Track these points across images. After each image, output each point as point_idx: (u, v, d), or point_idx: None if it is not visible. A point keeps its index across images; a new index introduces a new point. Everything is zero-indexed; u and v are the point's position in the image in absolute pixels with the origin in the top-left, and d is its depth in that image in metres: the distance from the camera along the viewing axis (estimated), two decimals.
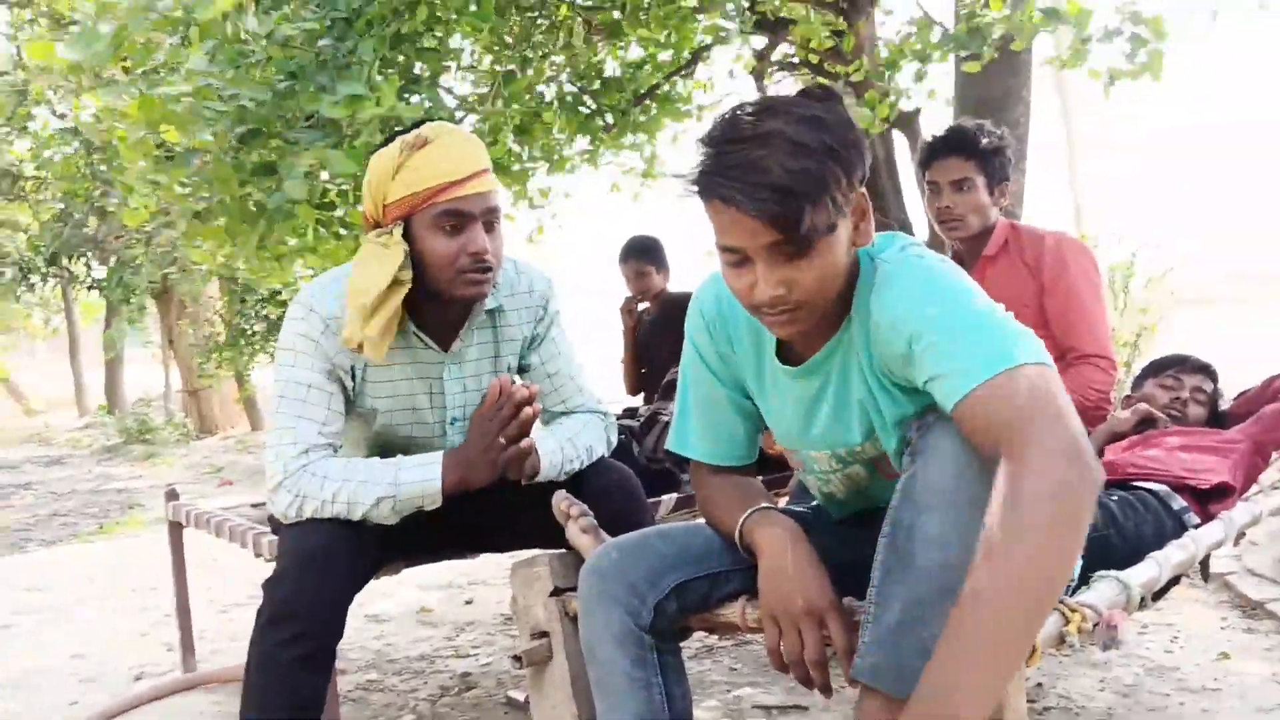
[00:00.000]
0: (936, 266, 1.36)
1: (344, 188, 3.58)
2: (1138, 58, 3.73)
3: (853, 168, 1.31)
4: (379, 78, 2.92)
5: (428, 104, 3.13)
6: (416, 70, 3.48)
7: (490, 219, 1.82)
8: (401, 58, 3.37)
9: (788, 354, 1.52)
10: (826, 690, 1.40)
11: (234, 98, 2.89)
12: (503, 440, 1.84)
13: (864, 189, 1.35)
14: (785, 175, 1.25)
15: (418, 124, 1.84)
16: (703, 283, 1.61)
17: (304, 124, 3.06)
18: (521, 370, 2.09)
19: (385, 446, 1.98)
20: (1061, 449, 1.15)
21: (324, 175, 3.26)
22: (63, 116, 10.20)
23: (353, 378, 1.89)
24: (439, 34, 3.37)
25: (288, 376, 1.84)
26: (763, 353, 1.56)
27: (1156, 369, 2.69)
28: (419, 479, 1.81)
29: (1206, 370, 2.64)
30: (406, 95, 3.20)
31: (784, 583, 1.41)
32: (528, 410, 1.85)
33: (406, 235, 1.80)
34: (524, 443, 1.87)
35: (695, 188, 1.32)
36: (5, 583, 4.45)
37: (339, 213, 3.69)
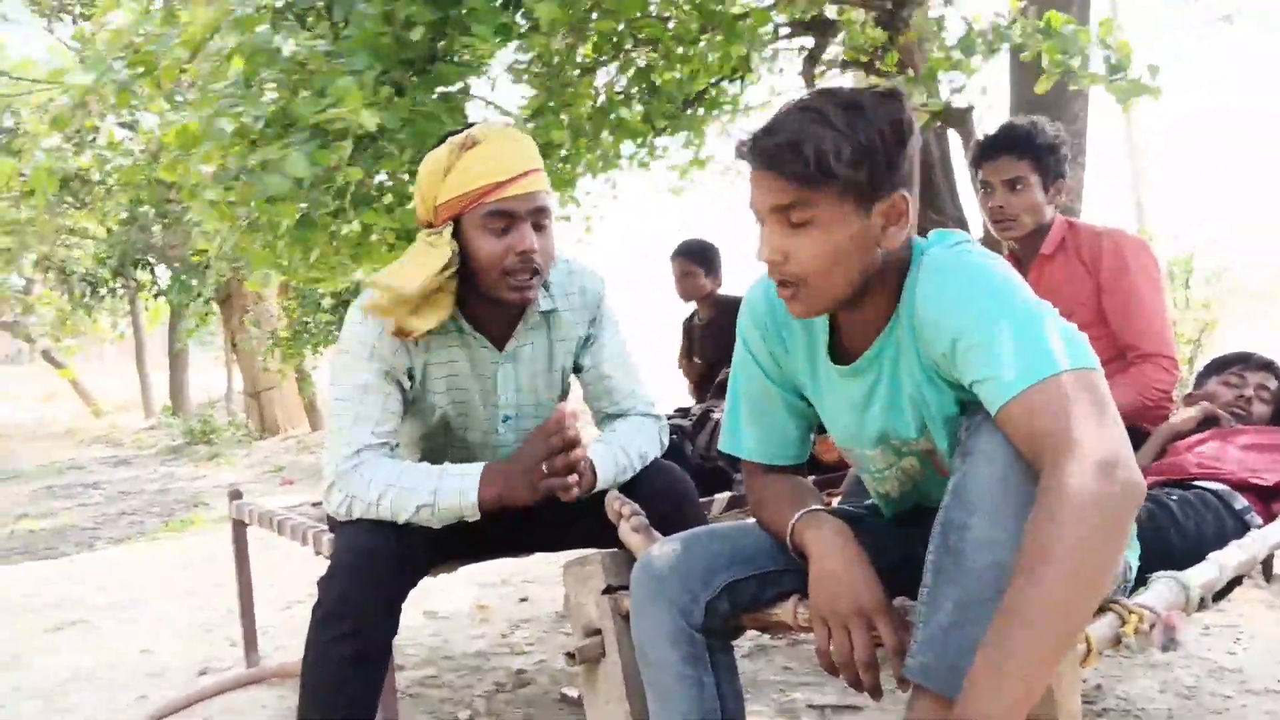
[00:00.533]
0: (982, 264, 1.36)
1: (386, 187, 3.61)
2: (1120, 78, 3.66)
3: (888, 165, 1.32)
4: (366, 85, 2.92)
5: (394, 119, 3.10)
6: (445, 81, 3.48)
7: (539, 219, 1.83)
8: (432, 69, 3.38)
9: (840, 354, 1.52)
10: (876, 692, 1.40)
11: (239, 114, 2.95)
12: (546, 469, 1.85)
13: (907, 194, 1.35)
14: (797, 135, 1.32)
15: (468, 125, 1.87)
16: (754, 283, 1.63)
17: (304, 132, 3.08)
18: (575, 370, 2.11)
19: (440, 442, 2.01)
20: (1099, 461, 1.15)
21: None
22: (127, 126, 10.45)
23: (411, 378, 1.92)
24: (466, 50, 3.37)
25: (344, 379, 1.87)
26: (816, 353, 1.56)
27: (1219, 366, 2.64)
28: (456, 489, 1.82)
29: (1270, 367, 2.59)
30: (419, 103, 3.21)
31: (833, 584, 1.42)
32: (576, 451, 1.85)
33: (457, 235, 1.83)
34: (576, 457, 1.86)
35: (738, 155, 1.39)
36: (76, 580, 4.57)
37: (387, 219, 3.73)
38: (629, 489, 1.93)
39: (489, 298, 1.87)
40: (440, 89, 3.38)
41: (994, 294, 1.31)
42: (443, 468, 1.85)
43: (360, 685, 1.74)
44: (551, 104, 4.08)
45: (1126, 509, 1.16)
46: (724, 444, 1.69)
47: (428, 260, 1.81)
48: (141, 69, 3.02)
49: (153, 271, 12.42)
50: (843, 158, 1.31)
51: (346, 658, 1.72)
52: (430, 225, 1.86)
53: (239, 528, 2.90)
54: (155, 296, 13.18)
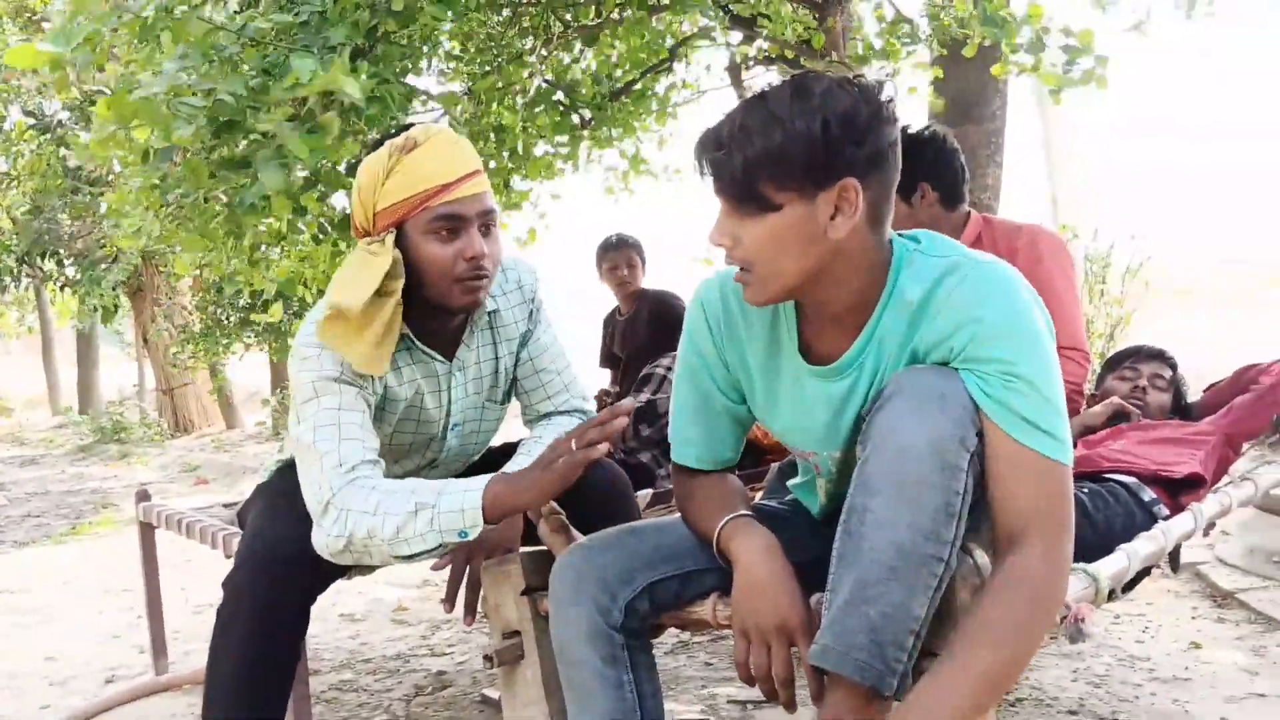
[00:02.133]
0: (1026, 296, 1.35)
1: (312, 177, 3.54)
2: (1075, 69, 3.73)
3: (832, 154, 1.28)
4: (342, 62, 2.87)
5: (379, 83, 3.05)
6: (386, 64, 3.43)
7: (486, 221, 1.74)
8: (377, 49, 3.33)
9: (811, 354, 1.48)
10: (791, 706, 1.41)
11: (210, 92, 2.85)
12: (575, 444, 1.58)
13: (858, 184, 1.30)
14: (726, 133, 1.32)
15: (405, 127, 1.77)
16: (707, 279, 1.58)
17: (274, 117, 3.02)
18: (514, 366, 2.04)
19: (382, 452, 1.92)
20: (1059, 562, 1.29)
21: (299, 170, 3.22)
22: (31, 114, 10.11)
23: (369, 403, 1.79)
24: (412, 31, 3.32)
25: (313, 411, 1.70)
26: (779, 353, 1.51)
27: (1114, 363, 2.73)
28: (461, 488, 1.62)
29: (1162, 356, 2.69)
30: (377, 90, 3.16)
31: (757, 597, 1.41)
32: (619, 421, 1.56)
33: (400, 243, 1.71)
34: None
35: None
36: None
37: (315, 210, 3.65)
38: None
39: (434, 307, 1.78)
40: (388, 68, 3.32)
41: (1040, 343, 1.33)
42: (447, 480, 1.68)
43: (266, 689, 1.69)
44: (500, 84, 4.01)
45: (1059, 604, 1.32)
46: (675, 450, 1.64)
47: (368, 271, 1.69)
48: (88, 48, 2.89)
49: (60, 262, 12.01)
50: (772, 147, 1.28)
51: (251, 660, 1.66)
52: (368, 234, 1.74)
53: (146, 530, 2.81)
54: (61, 288, 12.75)
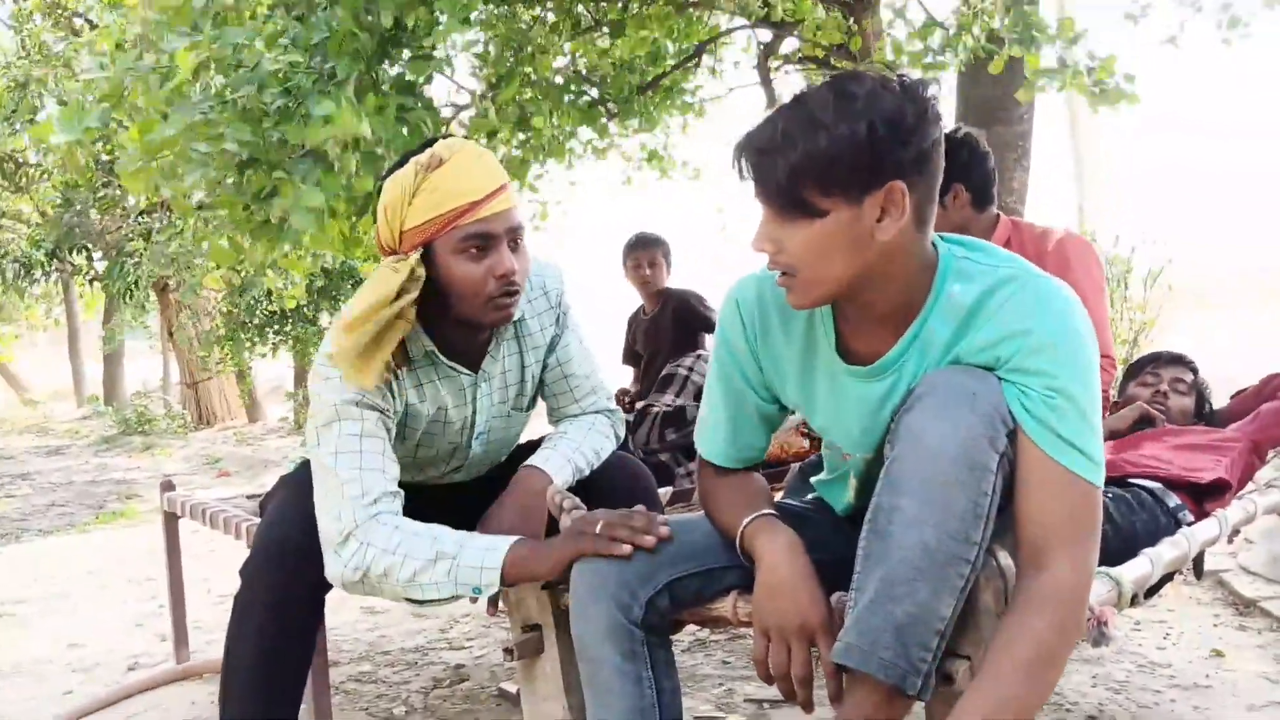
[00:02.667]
0: (1081, 316, 1.34)
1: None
2: (1102, 90, 3.74)
3: (878, 156, 1.27)
4: (353, 97, 2.89)
5: (403, 128, 3.08)
6: (409, 77, 3.44)
7: (515, 237, 1.72)
8: (392, 68, 3.34)
9: (846, 355, 1.47)
10: (809, 706, 1.40)
11: (220, 138, 2.88)
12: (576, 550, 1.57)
13: (904, 186, 1.29)
14: (768, 138, 1.31)
15: (430, 142, 1.74)
16: (743, 278, 1.57)
17: (299, 154, 3.05)
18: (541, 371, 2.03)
19: (407, 463, 1.90)
20: (1084, 583, 1.29)
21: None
22: (64, 104, 10.19)
23: (391, 420, 1.78)
24: (429, 39, 3.33)
25: (334, 434, 1.68)
26: (816, 352, 1.50)
27: (1135, 370, 2.74)
28: (483, 546, 1.62)
29: (1181, 360, 2.69)
30: (403, 109, 3.17)
31: (780, 597, 1.41)
32: (647, 539, 1.53)
33: (427, 261, 1.69)
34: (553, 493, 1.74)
35: None
36: (3, 572, 4.45)
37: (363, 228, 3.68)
38: (590, 481, 1.90)
39: (462, 324, 1.76)
40: (409, 80, 3.34)
41: (1091, 369, 1.33)
42: (470, 534, 1.68)
43: (282, 677, 1.70)
44: (520, 69, 4.02)
45: (1076, 635, 1.30)
46: (701, 444, 1.64)
47: (386, 287, 1.66)
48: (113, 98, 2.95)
49: (89, 256, 12.12)
50: (815, 152, 1.27)
51: (266, 648, 1.68)
52: (394, 252, 1.71)
53: (170, 520, 2.83)
54: (90, 282, 12.86)
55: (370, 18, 3.02)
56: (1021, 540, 1.30)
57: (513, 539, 1.63)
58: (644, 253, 3.98)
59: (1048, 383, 1.29)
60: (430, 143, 1.74)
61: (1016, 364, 1.31)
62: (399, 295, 1.65)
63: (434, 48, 3.36)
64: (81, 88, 3.00)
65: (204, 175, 2.93)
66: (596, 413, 2.06)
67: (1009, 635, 1.25)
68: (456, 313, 1.73)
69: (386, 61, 3.27)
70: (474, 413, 1.89)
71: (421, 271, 1.67)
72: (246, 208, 3.20)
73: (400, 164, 1.73)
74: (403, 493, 1.72)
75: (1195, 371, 2.68)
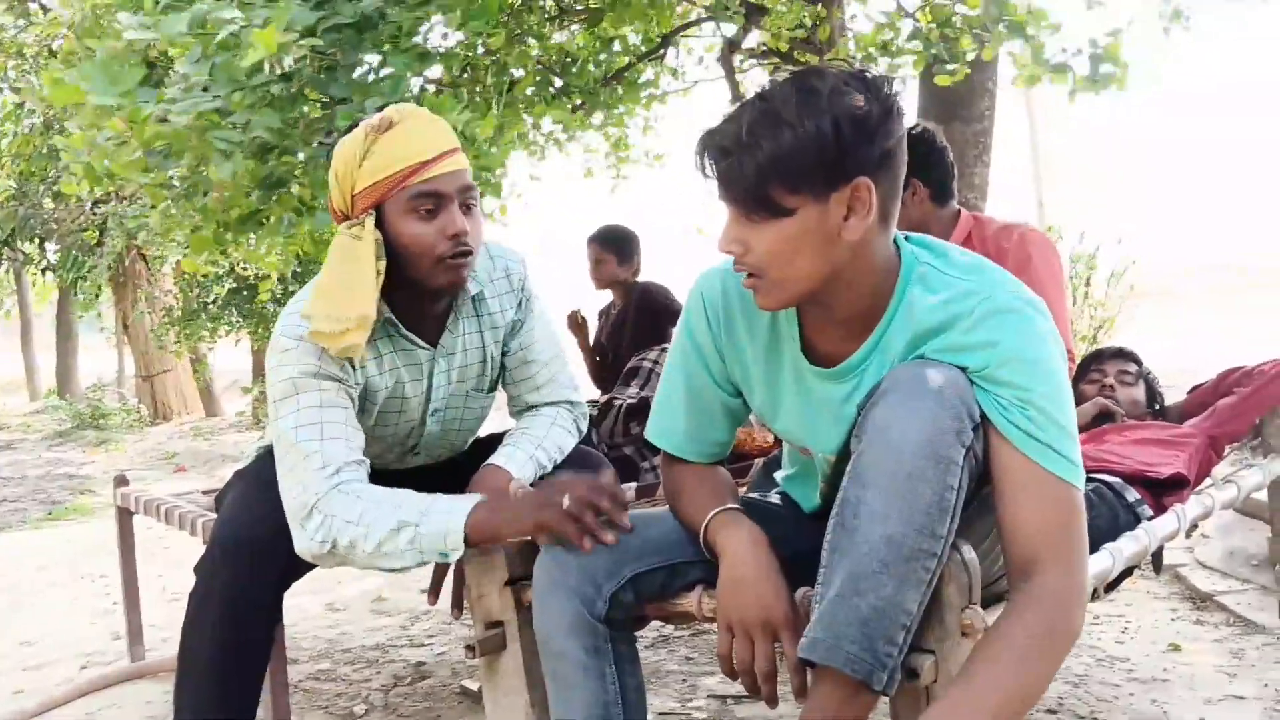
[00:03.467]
0: (1046, 331, 1.34)
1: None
2: (1098, 72, 3.76)
3: (842, 153, 1.26)
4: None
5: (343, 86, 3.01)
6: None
7: (466, 199, 1.71)
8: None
9: (814, 355, 1.46)
10: (773, 701, 1.40)
11: (246, 125, 2.77)
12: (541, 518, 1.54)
13: (870, 182, 1.28)
14: (733, 138, 1.29)
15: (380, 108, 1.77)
16: (708, 270, 1.56)
17: (317, 142, 2.97)
18: (501, 356, 2.01)
19: (368, 443, 1.86)
20: (1076, 587, 1.28)
21: None
22: (18, 91, 9.99)
23: (351, 395, 1.76)
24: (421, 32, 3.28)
25: (293, 408, 1.67)
26: (780, 350, 1.50)
27: (1082, 370, 2.79)
28: (445, 509, 1.60)
29: (1122, 353, 2.77)
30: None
31: (743, 591, 1.40)
32: (606, 536, 1.51)
33: (379, 225, 1.68)
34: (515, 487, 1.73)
35: None
36: None
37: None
38: (550, 475, 1.89)
39: (417, 291, 1.75)
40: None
41: (1059, 380, 1.33)
42: (434, 497, 1.65)
43: (238, 675, 1.67)
44: (489, 59, 3.97)
45: (1073, 640, 1.29)
46: (652, 433, 1.63)
47: (360, 259, 1.65)
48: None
49: (42, 246, 11.89)
50: (779, 151, 1.25)
51: (222, 646, 1.65)
52: (347, 217, 1.71)
53: (124, 515, 2.78)
54: (43, 272, 12.62)
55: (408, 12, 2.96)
56: (1010, 554, 1.30)
57: (475, 499, 1.61)
58: (589, 248, 3.96)
59: (1020, 394, 1.30)
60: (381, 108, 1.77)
61: (987, 374, 1.31)
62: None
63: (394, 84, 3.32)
64: (122, 48, 2.84)
65: (233, 166, 2.82)
66: (558, 403, 2.04)
67: (997, 633, 1.24)
68: (410, 275, 1.71)
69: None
70: (429, 388, 1.88)
71: (379, 236, 1.67)
72: (247, 194, 3.10)
73: (351, 130, 1.73)
74: (368, 460, 1.70)
75: (1139, 362, 2.75)
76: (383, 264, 1.68)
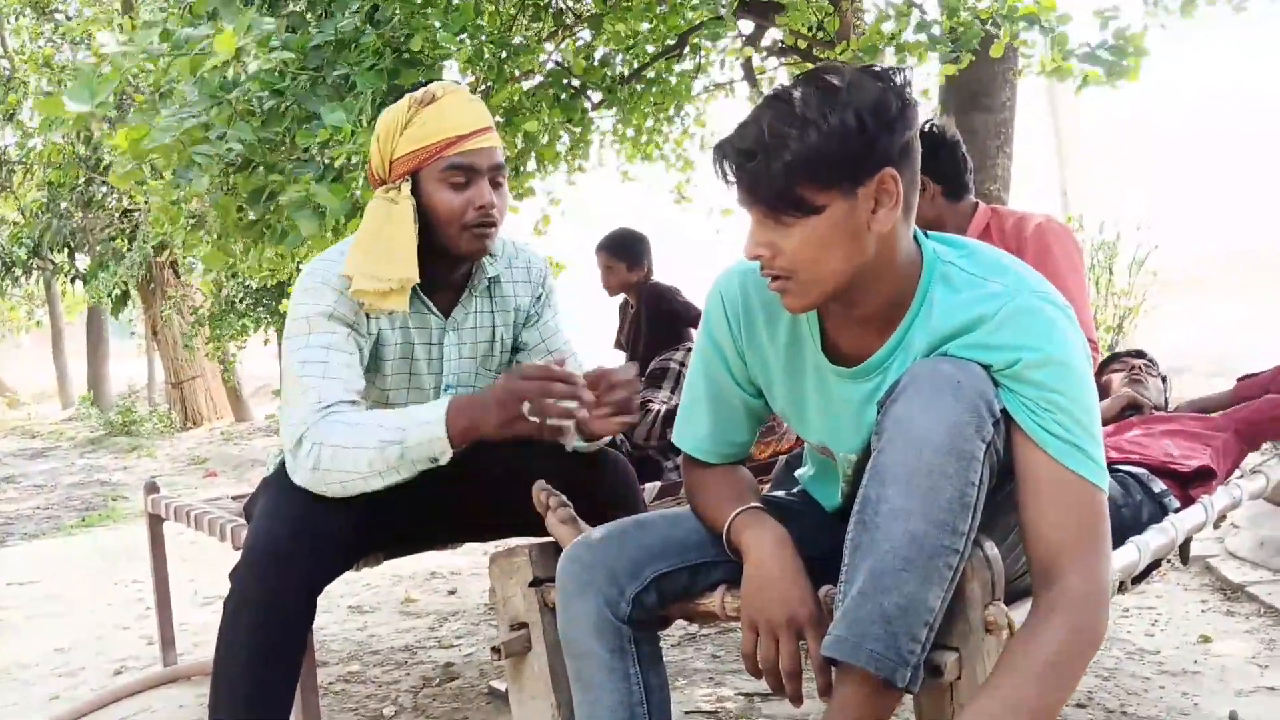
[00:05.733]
0: (1072, 335, 1.33)
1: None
2: (1116, 66, 3.73)
3: (868, 146, 1.26)
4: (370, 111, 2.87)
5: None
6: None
7: (496, 176, 1.84)
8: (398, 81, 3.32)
9: (835, 354, 1.46)
10: (798, 700, 1.40)
11: (221, 139, 2.86)
12: (528, 407, 1.65)
13: (896, 173, 1.29)
14: (755, 140, 1.28)
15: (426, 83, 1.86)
16: (727, 271, 1.56)
17: (295, 157, 3.03)
18: (516, 350, 2.08)
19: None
20: (1100, 591, 1.27)
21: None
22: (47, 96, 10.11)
23: (364, 344, 1.87)
24: (437, 55, 3.30)
25: (303, 344, 1.78)
26: (801, 350, 1.49)
27: (1104, 366, 2.78)
28: (424, 419, 1.68)
29: (1139, 355, 2.84)
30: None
31: (768, 590, 1.40)
32: (580, 411, 1.64)
33: (413, 191, 1.82)
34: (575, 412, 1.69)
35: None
36: None
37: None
38: (569, 475, 1.89)
39: (441, 256, 1.86)
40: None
41: (1087, 387, 1.32)
42: (407, 408, 1.77)
43: (273, 679, 1.69)
44: (509, 69, 3.98)
45: (1097, 644, 1.28)
46: (676, 436, 1.65)
47: (400, 227, 1.79)
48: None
49: (71, 255, 12.02)
50: (806, 151, 1.25)
51: (258, 650, 1.67)
52: (384, 182, 1.85)
53: (155, 522, 2.81)
54: (72, 281, 12.75)
55: (390, 31, 3.03)
56: (1032, 558, 1.29)
57: (444, 404, 1.70)
58: (597, 256, 3.93)
59: (1048, 396, 1.29)
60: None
61: (1014, 374, 1.31)
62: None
63: (438, 65, 3.34)
64: (94, 64, 2.99)
65: (209, 179, 2.92)
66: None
67: (1022, 642, 1.24)
68: (436, 241, 1.83)
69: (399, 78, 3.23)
70: (441, 359, 1.96)
71: (414, 201, 1.80)
72: (240, 209, 3.18)
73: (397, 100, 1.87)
74: (363, 403, 1.80)
75: (1155, 363, 2.80)
76: (415, 228, 1.80)
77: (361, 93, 2.88)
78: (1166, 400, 2.74)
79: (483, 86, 4.08)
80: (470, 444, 1.71)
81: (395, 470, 1.69)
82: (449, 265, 1.91)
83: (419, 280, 1.82)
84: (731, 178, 1.33)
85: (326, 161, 2.97)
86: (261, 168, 3.02)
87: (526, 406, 1.64)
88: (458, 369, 1.99)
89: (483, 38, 3.68)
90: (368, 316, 1.85)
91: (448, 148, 1.79)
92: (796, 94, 1.28)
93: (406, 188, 1.81)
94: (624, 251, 3.88)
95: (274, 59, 2.83)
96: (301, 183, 2.91)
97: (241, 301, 10.12)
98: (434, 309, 1.93)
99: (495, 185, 1.84)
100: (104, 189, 10.31)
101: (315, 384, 1.75)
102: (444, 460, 1.71)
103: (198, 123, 2.86)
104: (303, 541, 1.71)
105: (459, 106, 1.82)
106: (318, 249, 3.26)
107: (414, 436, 1.68)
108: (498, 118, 4.22)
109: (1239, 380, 2.73)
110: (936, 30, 3.89)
